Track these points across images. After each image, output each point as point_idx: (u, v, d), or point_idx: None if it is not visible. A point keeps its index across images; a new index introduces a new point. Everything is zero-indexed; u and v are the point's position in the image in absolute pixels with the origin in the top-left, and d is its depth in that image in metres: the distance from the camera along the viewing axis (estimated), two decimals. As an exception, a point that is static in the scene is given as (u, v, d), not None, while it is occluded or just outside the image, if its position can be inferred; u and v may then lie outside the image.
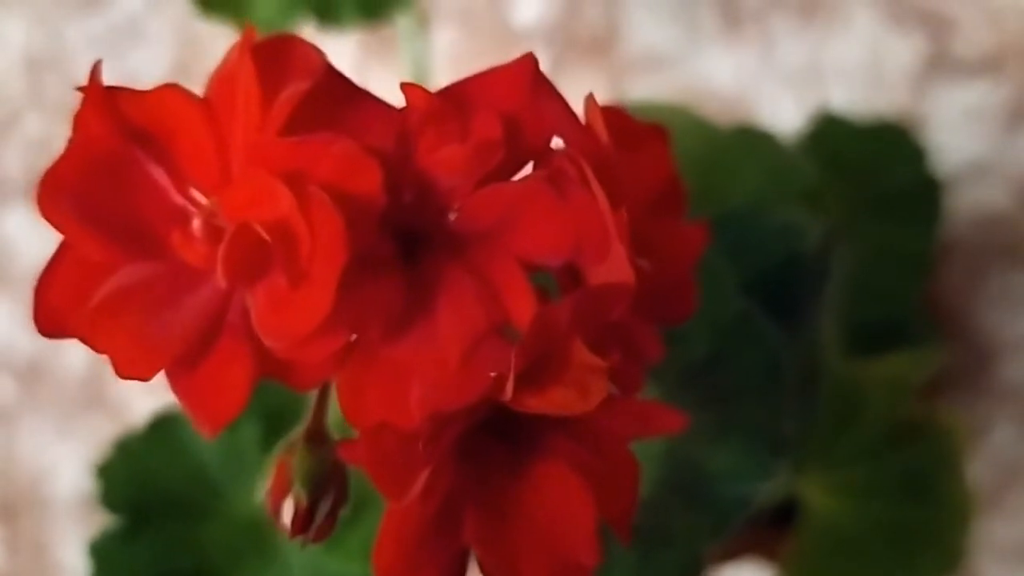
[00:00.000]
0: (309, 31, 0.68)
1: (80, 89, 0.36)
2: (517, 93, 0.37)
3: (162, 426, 0.60)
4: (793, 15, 0.93)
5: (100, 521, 0.61)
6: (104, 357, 0.36)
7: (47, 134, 0.98)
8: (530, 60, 0.37)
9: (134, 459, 0.60)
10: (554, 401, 0.35)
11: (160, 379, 0.36)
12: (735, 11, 0.94)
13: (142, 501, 0.60)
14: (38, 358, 0.96)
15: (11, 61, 1.00)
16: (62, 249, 0.36)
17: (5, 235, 0.98)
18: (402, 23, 0.69)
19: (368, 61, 0.95)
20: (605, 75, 0.94)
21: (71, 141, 0.36)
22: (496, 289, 0.35)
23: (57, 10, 1.01)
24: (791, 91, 0.92)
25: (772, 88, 0.93)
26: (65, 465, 0.95)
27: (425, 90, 0.36)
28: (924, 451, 0.69)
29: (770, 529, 0.71)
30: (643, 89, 0.93)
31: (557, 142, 0.38)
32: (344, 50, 0.93)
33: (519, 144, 0.36)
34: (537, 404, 0.35)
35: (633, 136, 0.40)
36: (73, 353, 0.95)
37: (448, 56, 0.93)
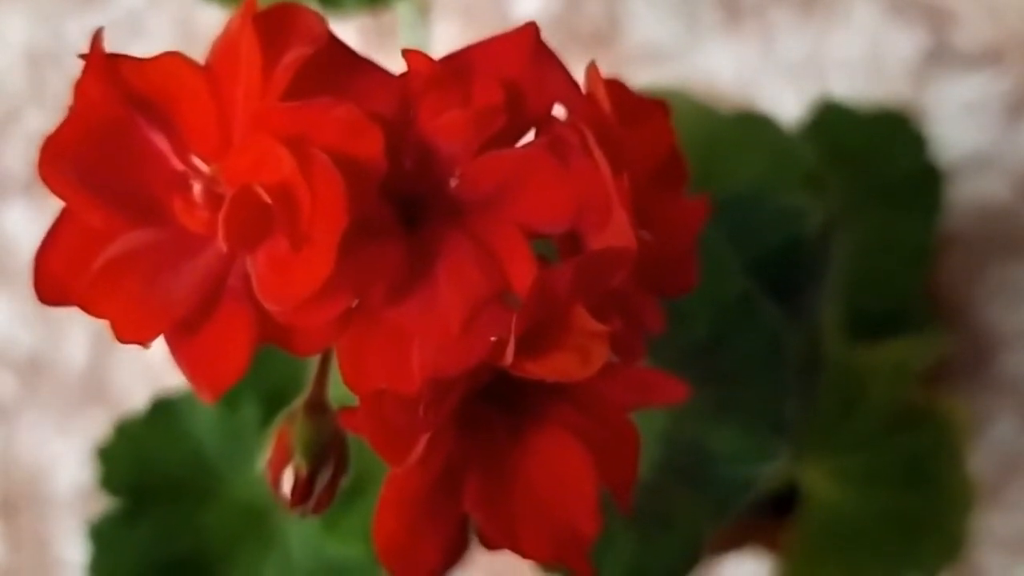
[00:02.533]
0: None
1: (82, 56, 0.36)
2: (518, 61, 0.37)
3: (162, 409, 0.60)
4: (793, 8, 0.93)
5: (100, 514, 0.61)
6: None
7: (47, 129, 0.98)
8: (532, 29, 0.37)
9: (134, 442, 0.60)
10: (554, 366, 0.34)
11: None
12: (735, 5, 0.94)
13: (142, 484, 0.60)
14: (38, 353, 0.96)
15: (12, 57, 1.00)
16: (63, 216, 0.36)
17: (5, 230, 0.98)
18: (403, 10, 0.69)
19: (368, 52, 0.94)
20: (605, 69, 0.93)
21: (72, 108, 0.36)
22: (497, 255, 0.35)
23: (57, 6, 1.01)
24: (792, 84, 0.92)
25: (773, 81, 0.93)
26: (65, 460, 0.95)
27: (427, 56, 0.36)
28: (925, 438, 0.68)
29: (771, 518, 0.71)
30: (644, 83, 0.93)
31: (558, 111, 0.38)
32: (344, 39, 0.93)
33: (520, 111, 0.36)
34: (537, 369, 0.34)
35: (634, 109, 0.40)
36: (73, 348, 0.95)
37: (448, 49, 0.93)
